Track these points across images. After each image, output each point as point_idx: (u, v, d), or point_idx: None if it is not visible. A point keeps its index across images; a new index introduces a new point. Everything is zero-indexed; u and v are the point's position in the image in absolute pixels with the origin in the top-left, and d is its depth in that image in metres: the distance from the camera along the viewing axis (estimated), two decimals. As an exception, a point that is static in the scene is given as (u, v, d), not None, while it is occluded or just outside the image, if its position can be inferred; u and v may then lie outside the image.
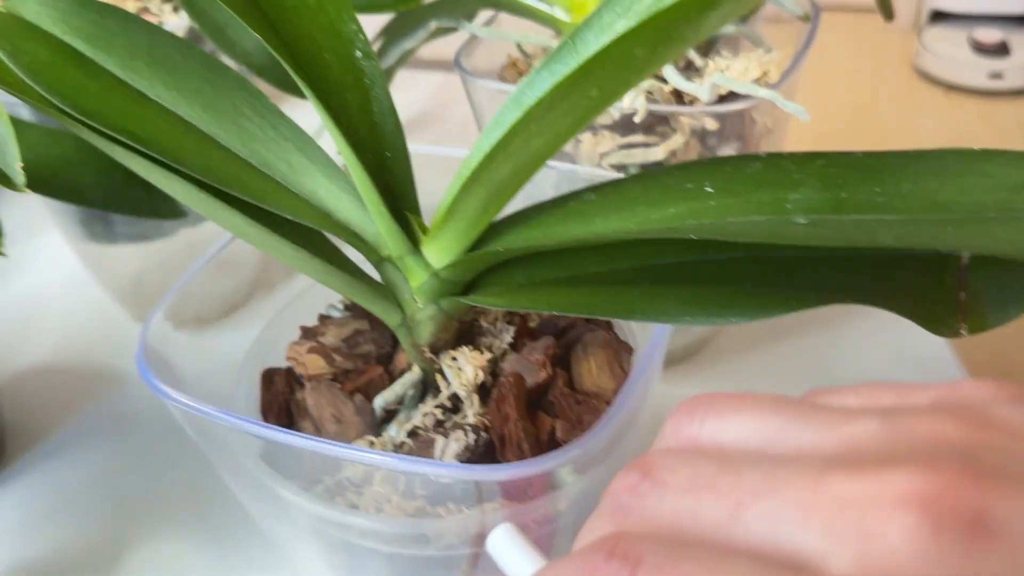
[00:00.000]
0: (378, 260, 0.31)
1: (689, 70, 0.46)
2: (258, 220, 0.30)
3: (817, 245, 0.26)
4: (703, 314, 0.26)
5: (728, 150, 0.44)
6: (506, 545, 0.20)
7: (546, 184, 0.44)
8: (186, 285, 0.32)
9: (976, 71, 0.90)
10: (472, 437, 0.28)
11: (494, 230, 0.30)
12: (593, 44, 0.26)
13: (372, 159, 0.31)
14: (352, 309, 0.35)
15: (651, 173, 0.29)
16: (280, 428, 0.27)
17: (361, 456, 0.27)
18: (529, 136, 0.27)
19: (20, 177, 0.26)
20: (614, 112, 0.43)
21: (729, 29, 0.46)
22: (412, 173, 0.31)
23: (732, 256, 0.29)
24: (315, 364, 0.33)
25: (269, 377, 0.33)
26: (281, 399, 0.32)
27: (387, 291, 0.32)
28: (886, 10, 0.67)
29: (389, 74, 0.51)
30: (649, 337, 0.29)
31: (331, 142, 0.30)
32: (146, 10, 0.49)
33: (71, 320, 0.60)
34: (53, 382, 0.55)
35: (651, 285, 0.28)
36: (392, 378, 0.32)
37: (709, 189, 0.27)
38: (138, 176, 0.33)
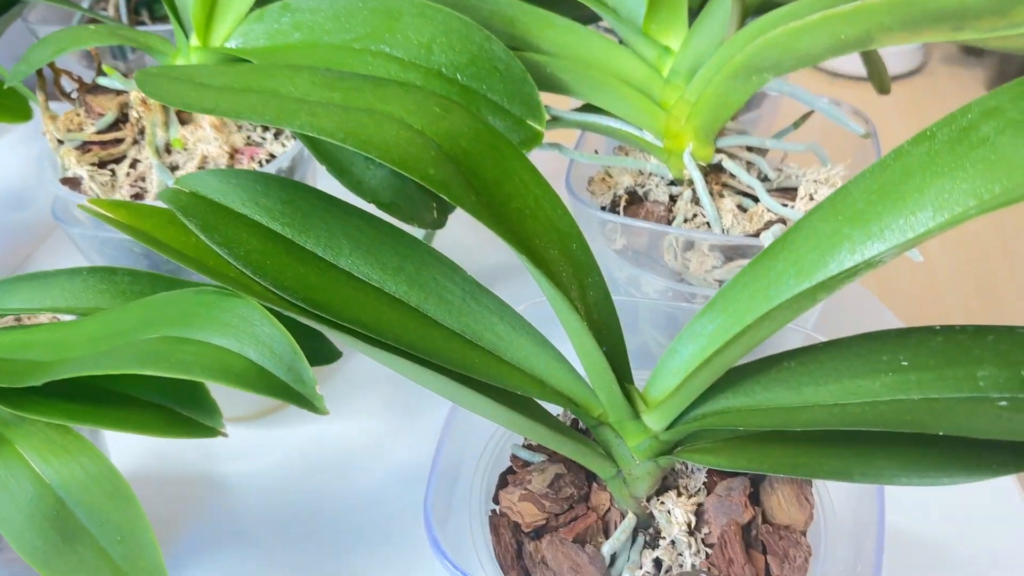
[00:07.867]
0: (595, 423, 0.35)
1: (765, 181, 0.51)
2: (475, 389, 0.33)
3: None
4: (918, 477, 0.31)
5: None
6: None
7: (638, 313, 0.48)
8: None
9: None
10: (709, 582, 0.33)
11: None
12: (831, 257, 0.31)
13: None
14: (544, 451, 0.39)
15: (839, 342, 0.34)
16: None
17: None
18: (769, 326, 0.31)
19: (322, 403, 0.29)
20: (716, 238, 0.47)
21: (799, 147, 0.52)
22: (626, 349, 0.35)
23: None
24: (529, 512, 0.36)
25: (495, 527, 0.37)
26: (512, 550, 0.36)
27: (601, 448, 0.36)
28: (880, 83, 0.73)
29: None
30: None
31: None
32: (250, 140, 0.50)
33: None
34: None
35: (861, 445, 0.33)
36: (600, 520, 0.37)
37: (904, 362, 0.33)
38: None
